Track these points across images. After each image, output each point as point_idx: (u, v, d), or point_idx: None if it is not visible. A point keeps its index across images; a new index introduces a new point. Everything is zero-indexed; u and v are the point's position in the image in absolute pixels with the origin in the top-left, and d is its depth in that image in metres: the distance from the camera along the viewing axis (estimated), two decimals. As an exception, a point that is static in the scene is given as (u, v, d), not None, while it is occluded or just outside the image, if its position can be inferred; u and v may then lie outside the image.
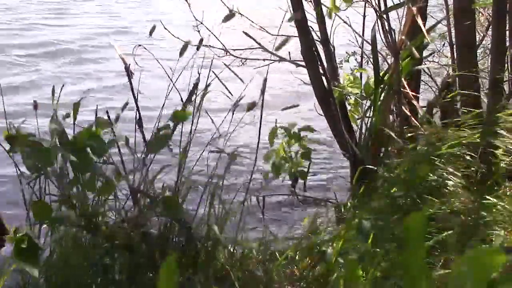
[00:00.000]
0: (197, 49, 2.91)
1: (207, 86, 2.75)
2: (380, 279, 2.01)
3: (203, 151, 2.77)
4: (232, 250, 2.61)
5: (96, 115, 2.58)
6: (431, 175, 2.67)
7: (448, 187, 2.72)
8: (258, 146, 2.83)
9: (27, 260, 1.79)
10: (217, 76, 2.77)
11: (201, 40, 2.92)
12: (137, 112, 2.96)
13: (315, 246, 2.42)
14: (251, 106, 2.77)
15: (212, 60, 3.01)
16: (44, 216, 2.08)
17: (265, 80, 2.77)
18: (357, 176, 2.91)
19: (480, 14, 4.88)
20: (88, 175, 2.37)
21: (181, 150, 2.67)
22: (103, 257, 2.56)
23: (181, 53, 2.83)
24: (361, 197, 2.66)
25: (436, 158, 2.79)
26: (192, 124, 2.75)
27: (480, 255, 0.95)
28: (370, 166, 2.91)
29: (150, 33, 2.89)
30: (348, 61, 4.90)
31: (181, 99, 2.90)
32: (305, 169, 4.05)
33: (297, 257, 2.56)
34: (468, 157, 2.93)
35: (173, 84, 2.76)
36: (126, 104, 2.76)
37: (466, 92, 3.59)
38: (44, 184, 2.49)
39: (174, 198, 2.55)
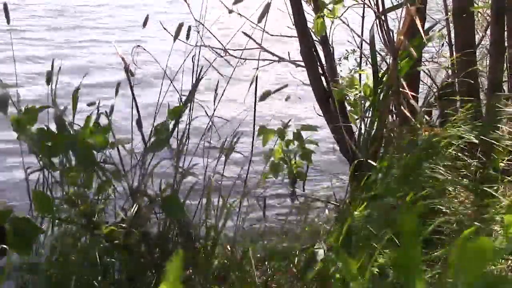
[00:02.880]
0: (187, 38, 2.93)
1: (198, 79, 2.78)
2: (377, 276, 2.02)
3: (197, 146, 2.79)
4: (231, 249, 2.62)
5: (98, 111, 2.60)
6: (427, 171, 2.68)
7: (445, 184, 2.73)
8: (253, 145, 2.85)
9: (20, 243, 1.76)
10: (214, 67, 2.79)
11: (189, 28, 2.95)
12: (137, 113, 2.97)
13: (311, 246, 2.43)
14: (266, 95, 2.81)
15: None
16: (45, 209, 2.07)
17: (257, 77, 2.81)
18: (352, 172, 2.92)
19: (479, 14, 4.89)
20: (86, 173, 2.38)
21: (177, 144, 2.69)
22: (103, 257, 2.57)
23: (175, 37, 2.85)
24: (357, 194, 2.67)
25: (434, 157, 2.80)
26: (189, 120, 2.77)
27: (473, 246, 0.96)
28: (366, 162, 2.91)
29: (144, 25, 2.94)
30: (347, 58, 4.89)
31: (180, 99, 2.92)
32: (304, 170, 4.06)
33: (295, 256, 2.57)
34: (466, 156, 2.95)
35: (171, 82, 2.77)
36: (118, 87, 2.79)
37: (465, 92, 3.60)
38: (48, 177, 2.51)
39: (174, 198, 2.56)
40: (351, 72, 4.44)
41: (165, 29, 2.99)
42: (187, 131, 2.77)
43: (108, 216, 2.78)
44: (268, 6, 3.00)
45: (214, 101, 2.91)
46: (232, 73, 3.03)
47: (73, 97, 2.60)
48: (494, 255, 1.03)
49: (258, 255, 2.74)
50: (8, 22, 2.72)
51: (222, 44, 3.56)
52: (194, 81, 2.82)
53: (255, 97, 2.84)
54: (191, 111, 2.85)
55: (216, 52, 3.47)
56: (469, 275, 0.87)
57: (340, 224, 2.41)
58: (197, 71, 2.88)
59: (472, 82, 3.61)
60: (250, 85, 2.89)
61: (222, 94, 2.91)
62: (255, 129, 3.22)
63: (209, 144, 2.87)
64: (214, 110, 2.91)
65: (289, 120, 3.88)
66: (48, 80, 2.65)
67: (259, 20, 3.02)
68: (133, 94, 2.97)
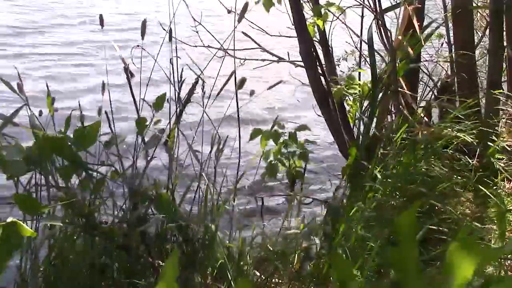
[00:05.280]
0: (169, 39, 2.93)
1: (196, 82, 2.78)
2: (374, 276, 2.02)
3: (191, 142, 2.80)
4: (228, 248, 2.62)
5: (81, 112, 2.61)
6: (424, 168, 2.69)
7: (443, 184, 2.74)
8: (240, 144, 2.85)
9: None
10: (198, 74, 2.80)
11: (170, 30, 2.94)
12: (137, 112, 2.97)
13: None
14: (242, 83, 2.81)
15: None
16: (31, 209, 2.06)
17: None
18: (350, 172, 2.93)
19: (478, 13, 4.89)
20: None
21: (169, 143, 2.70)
22: (101, 257, 2.58)
23: (142, 34, 2.83)
24: (355, 193, 2.68)
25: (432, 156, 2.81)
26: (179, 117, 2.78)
27: (461, 248, 0.96)
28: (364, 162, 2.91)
29: (101, 24, 2.91)
30: (346, 59, 4.89)
31: (181, 97, 2.93)
32: (303, 169, 4.05)
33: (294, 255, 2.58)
34: (465, 156, 2.95)
35: (170, 80, 2.78)
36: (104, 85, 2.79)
37: (464, 91, 3.60)
38: (39, 179, 2.51)
39: (166, 196, 2.56)
40: (349, 71, 4.44)
41: (164, 29, 2.99)
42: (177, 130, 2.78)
43: (107, 216, 2.78)
44: (246, 5, 3.00)
45: (202, 98, 2.92)
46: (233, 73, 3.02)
47: (47, 100, 2.61)
48: (488, 255, 1.04)
49: (257, 255, 2.74)
50: None
51: (221, 44, 3.56)
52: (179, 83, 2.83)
53: (236, 95, 2.85)
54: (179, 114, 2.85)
55: (214, 53, 3.46)
56: (459, 275, 0.87)
57: (337, 224, 2.42)
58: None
59: (471, 81, 3.61)
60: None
61: (218, 94, 2.91)
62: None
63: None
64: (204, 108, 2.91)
65: (277, 117, 3.88)
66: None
67: (239, 20, 3.01)
68: (132, 95, 2.98)
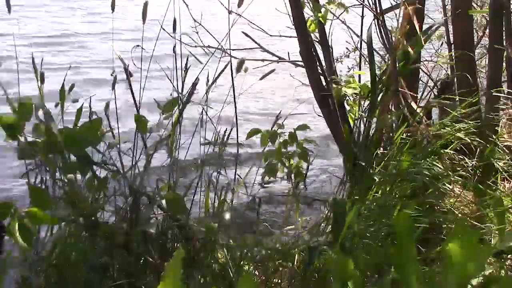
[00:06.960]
0: (173, 30, 2.94)
1: (196, 82, 2.80)
2: (373, 274, 2.03)
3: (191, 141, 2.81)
4: (229, 248, 2.63)
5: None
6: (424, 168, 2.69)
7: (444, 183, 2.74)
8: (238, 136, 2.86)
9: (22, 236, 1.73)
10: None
11: (174, 20, 2.95)
12: (137, 111, 2.98)
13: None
14: (240, 65, 2.82)
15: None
16: (43, 204, 2.07)
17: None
18: (349, 171, 2.93)
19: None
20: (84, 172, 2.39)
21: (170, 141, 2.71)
22: (102, 256, 2.58)
23: (143, 18, 2.84)
24: (354, 193, 2.68)
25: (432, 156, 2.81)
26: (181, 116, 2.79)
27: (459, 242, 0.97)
28: (363, 163, 2.92)
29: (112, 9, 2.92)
30: (348, 56, 4.89)
31: (180, 96, 2.94)
32: (303, 169, 4.06)
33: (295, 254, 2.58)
34: (465, 155, 2.96)
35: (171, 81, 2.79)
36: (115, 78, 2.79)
37: (464, 90, 3.61)
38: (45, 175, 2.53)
39: (177, 197, 2.57)
40: (349, 70, 4.44)
41: (163, 29, 2.99)
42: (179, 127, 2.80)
43: (108, 216, 2.79)
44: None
45: (206, 92, 2.93)
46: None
47: (60, 92, 2.61)
48: (486, 252, 1.05)
49: (257, 255, 2.75)
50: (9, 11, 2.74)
51: (220, 44, 3.56)
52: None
53: (234, 92, 2.86)
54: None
55: (212, 53, 3.46)
56: (456, 271, 0.88)
57: (337, 223, 2.42)
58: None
59: (471, 81, 3.62)
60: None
61: (211, 85, 2.93)
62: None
63: (204, 140, 2.89)
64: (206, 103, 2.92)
65: (279, 113, 3.89)
66: (42, 80, 2.67)
67: (239, 5, 3.01)
68: (132, 94, 2.99)
